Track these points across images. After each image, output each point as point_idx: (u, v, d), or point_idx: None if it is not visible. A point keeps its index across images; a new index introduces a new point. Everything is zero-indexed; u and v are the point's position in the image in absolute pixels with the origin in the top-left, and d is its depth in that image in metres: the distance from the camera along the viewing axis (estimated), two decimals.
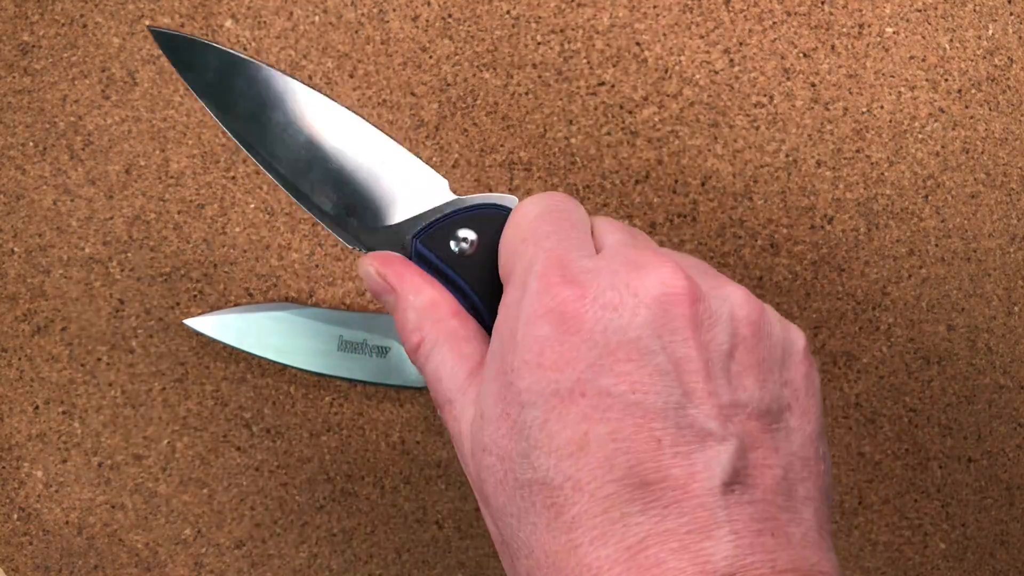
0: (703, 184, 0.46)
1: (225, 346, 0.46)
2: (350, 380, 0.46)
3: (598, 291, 0.25)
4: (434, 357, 0.28)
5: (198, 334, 0.46)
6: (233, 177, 0.47)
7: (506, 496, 0.25)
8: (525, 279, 0.26)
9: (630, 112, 0.46)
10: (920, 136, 0.46)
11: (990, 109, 0.46)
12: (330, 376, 0.46)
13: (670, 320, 0.25)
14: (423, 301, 0.29)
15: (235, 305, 0.47)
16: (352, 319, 0.46)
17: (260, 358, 0.46)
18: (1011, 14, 0.46)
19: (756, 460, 0.24)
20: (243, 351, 0.45)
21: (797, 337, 0.28)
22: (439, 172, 0.33)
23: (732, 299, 0.26)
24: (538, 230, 0.28)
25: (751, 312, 0.26)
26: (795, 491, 0.25)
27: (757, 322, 0.26)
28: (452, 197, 0.32)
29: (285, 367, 0.47)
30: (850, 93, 0.46)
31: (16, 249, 0.47)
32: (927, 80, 0.46)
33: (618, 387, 0.24)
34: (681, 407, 0.24)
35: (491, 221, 0.31)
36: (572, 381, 0.24)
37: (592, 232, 0.29)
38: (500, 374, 0.25)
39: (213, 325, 0.46)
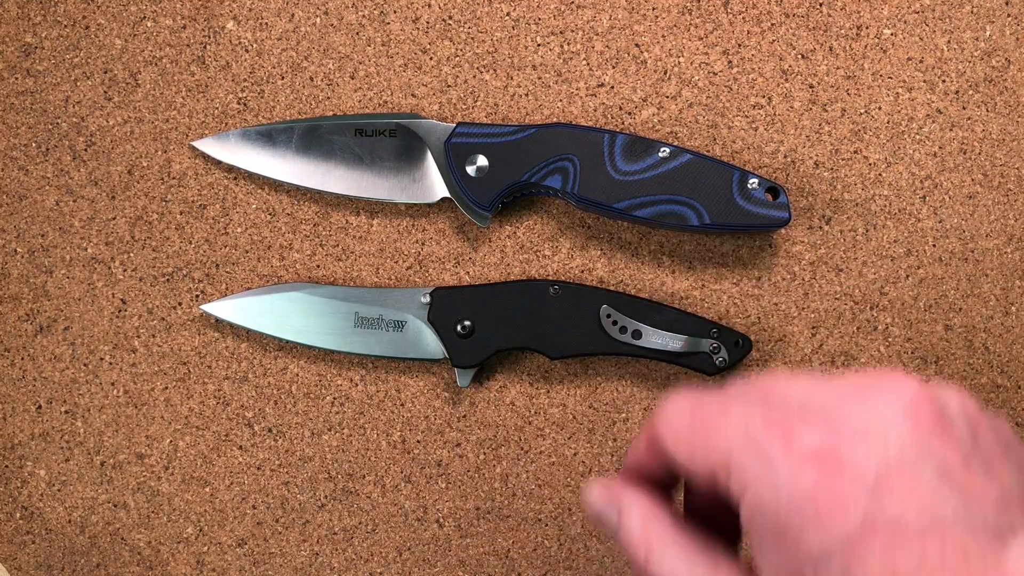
0: None
1: (242, 330, 0.47)
2: (369, 356, 0.46)
3: (837, 419, 0.24)
4: (666, 564, 0.27)
5: (219, 321, 0.47)
6: (235, 178, 0.47)
7: None
8: (752, 447, 0.25)
9: (629, 113, 0.46)
10: (918, 137, 0.46)
11: (987, 110, 0.46)
12: (349, 353, 0.46)
13: (923, 427, 0.24)
14: (643, 511, 0.29)
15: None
16: (367, 295, 0.46)
17: (277, 339, 0.46)
18: (1008, 16, 0.46)
19: None
20: (261, 333, 0.46)
21: (1001, 419, 0.27)
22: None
23: (952, 393, 0.26)
24: (713, 418, 0.26)
25: (971, 401, 0.26)
26: None
27: (978, 409, 0.26)
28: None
29: (302, 347, 0.47)
30: (848, 94, 0.46)
31: (19, 249, 0.47)
32: (925, 81, 0.46)
33: (907, 510, 0.23)
34: (967, 509, 0.23)
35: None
36: (859, 519, 0.23)
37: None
38: (778, 542, 0.24)
39: (230, 309, 0.46)
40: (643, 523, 0.28)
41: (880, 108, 0.46)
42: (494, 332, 0.45)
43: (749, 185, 0.44)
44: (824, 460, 0.24)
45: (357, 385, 0.47)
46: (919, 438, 0.24)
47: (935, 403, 0.24)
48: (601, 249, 0.47)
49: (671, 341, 0.44)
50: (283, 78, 0.47)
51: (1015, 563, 0.22)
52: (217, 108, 0.47)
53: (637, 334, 0.44)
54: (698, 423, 0.27)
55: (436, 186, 0.46)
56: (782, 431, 0.24)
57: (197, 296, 0.47)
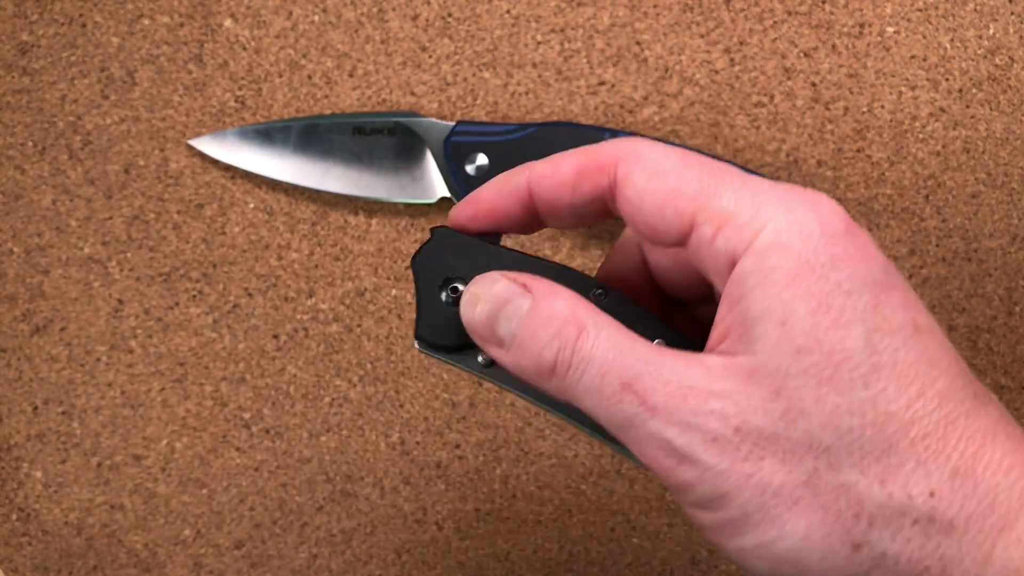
0: None
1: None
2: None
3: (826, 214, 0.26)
4: (602, 338, 0.26)
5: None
6: (232, 177, 0.47)
7: (836, 395, 0.24)
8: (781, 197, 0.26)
9: (630, 112, 0.46)
10: (921, 136, 0.46)
11: (991, 109, 0.46)
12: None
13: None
14: (566, 291, 0.27)
15: (235, 305, 0.47)
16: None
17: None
18: (1012, 13, 0.46)
19: None
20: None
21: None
22: None
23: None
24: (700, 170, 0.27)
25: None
26: None
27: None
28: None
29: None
30: (851, 93, 0.46)
31: (15, 249, 0.47)
32: (928, 80, 0.46)
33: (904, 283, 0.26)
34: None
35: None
36: (882, 272, 0.25)
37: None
38: (805, 270, 0.25)
39: None
40: (570, 301, 0.27)
41: (883, 107, 0.46)
42: None
43: None
44: (851, 227, 0.26)
45: (355, 386, 0.47)
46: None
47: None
48: (602, 249, 0.46)
49: None
50: (281, 76, 0.47)
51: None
52: (214, 106, 0.47)
53: None
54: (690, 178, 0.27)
55: (435, 185, 0.45)
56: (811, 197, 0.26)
57: (194, 296, 0.47)
